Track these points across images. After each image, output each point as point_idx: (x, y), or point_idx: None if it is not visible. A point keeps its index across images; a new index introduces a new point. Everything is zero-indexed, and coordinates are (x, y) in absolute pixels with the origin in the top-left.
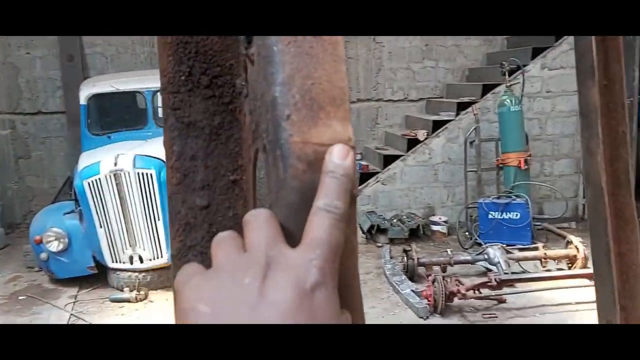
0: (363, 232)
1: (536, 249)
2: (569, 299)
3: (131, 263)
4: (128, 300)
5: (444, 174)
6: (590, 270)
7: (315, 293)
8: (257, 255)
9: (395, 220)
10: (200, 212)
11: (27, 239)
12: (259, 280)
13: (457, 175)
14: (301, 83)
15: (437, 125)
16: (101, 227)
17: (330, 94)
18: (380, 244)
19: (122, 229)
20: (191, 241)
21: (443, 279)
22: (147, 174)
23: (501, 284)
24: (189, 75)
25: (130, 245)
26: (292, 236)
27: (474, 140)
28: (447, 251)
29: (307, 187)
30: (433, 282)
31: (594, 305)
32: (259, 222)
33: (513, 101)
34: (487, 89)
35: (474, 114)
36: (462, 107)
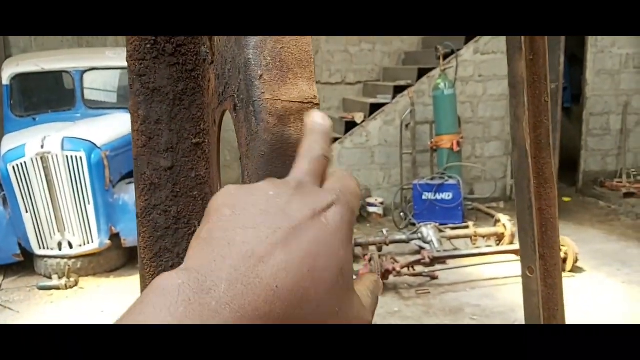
0: None
1: (467, 227)
2: (497, 274)
3: (60, 249)
4: (57, 288)
5: (381, 156)
6: (517, 247)
7: (330, 215)
8: (291, 178)
9: None
10: (165, 173)
11: None
12: (284, 197)
13: (393, 158)
14: (272, 47)
15: (374, 108)
16: (27, 212)
17: (298, 57)
18: None
19: (49, 214)
20: (155, 200)
21: (379, 258)
22: (76, 156)
23: (434, 261)
24: (154, 44)
25: (58, 231)
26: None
27: (409, 123)
28: (382, 231)
29: (277, 139)
30: (369, 260)
31: (518, 279)
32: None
33: (447, 85)
34: (422, 72)
35: (410, 97)
36: (398, 90)
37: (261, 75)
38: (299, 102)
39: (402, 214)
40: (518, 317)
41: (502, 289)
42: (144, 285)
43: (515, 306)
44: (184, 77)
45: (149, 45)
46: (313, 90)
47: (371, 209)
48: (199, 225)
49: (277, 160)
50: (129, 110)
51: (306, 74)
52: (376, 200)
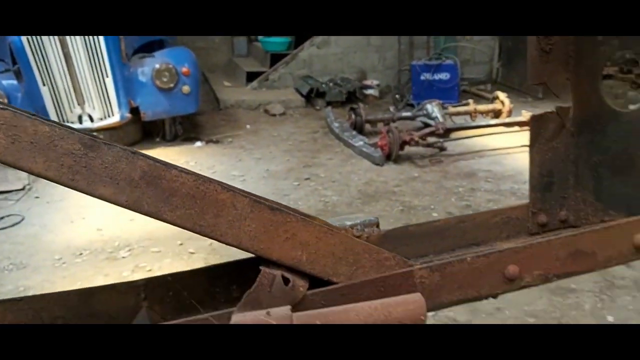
0: (302, 96)
1: (467, 104)
2: (499, 144)
3: (80, 122)
4: None
5: (376, 38)
6: (520, 119)
7: None
8: None
9: (332, 84)
10: None
11: None
12: None
13: (388, 40)
14: None
15: None
16: (44, 85)
17: None
18: (318, 107)
19: (68, 86)
20: None
21: (396, 129)
22: None
23: (447, 132)
24: None
25: (78, 104)
26: None
27: None
28: (389, 109)
29: None
30: (388, 132)
31: (522, 148)
32: None
33: None
34: None
35: None
36: None
37: None
38: None
39: (397, 95)
40: (525, 178)
41: (507, 157)
42: None
43: (523, 170)
44: None
45: None
46: None
47: (367, 91)
48: None
49: None
50: None
51: None
52: (372, 82)
